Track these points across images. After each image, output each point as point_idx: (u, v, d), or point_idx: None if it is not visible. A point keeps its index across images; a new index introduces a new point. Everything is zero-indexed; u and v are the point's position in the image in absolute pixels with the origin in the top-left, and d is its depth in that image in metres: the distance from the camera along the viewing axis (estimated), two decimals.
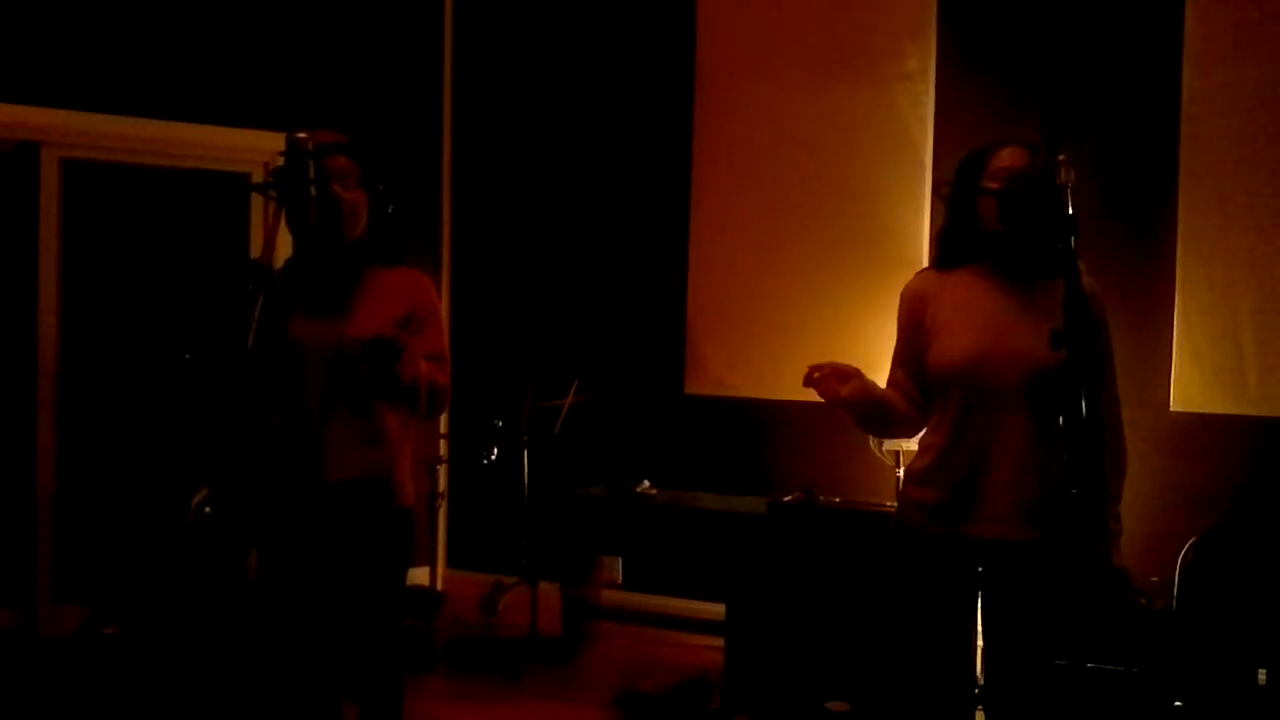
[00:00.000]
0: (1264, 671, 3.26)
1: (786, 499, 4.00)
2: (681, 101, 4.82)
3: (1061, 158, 1.95)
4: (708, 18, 4.78)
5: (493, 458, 4.41)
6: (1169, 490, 3.93)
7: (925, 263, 3.77)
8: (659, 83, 4.88)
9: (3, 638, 4.30)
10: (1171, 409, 4.00)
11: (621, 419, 4.92)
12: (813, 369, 2.23)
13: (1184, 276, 4.00)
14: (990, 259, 2.29)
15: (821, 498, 4.02)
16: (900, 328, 2.39)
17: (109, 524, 4.52)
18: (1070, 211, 1.92)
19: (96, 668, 4.00)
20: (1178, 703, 3.28)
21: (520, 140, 5.19)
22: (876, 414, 2.35)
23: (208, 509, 3.30)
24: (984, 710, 2.43)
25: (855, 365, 2.25)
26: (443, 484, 5.01)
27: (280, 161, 2.16)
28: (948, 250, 2.36)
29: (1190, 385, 3.99)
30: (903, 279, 2.45)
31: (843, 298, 4.49)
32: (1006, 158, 2.23)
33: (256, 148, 4.54)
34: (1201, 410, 3.97)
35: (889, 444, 4.00)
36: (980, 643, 2.34)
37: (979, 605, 2.31)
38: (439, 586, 5.09)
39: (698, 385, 4.82)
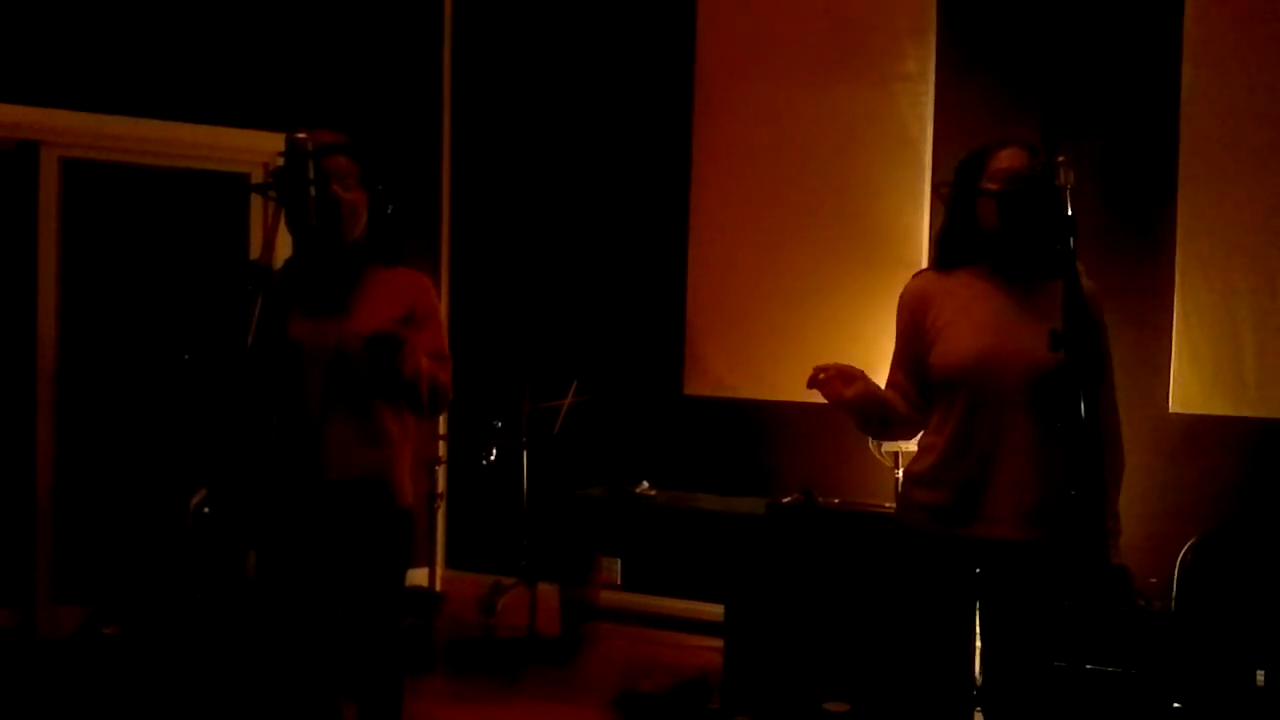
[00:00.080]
0: (1262, 673, 3.26)
1: (786, 500, 4.00)
2: (681, 101, 4.82)
3: (1061, 159, 1.95)
4: (708, 18, 4.78)
5: (492, 458, 4.41)
6: (1168, 491, 3.93)
7: (925, 263, 3.77)
8: (659, 83, 4.88)
9: (2, 638, 4.30)
10: (1170, 410, 4.00)
11: (621, 420, 4.92)
12: (817, 370, 2.23)
13: (1184, 277, 4.00)
14: (989, 260, 2.29)
15: (821, 499, 4.02)
16: (900, 329, 2.39)
17: (108, 524, 4.52)
18: (1069, 213, 1.92)
19: (96, 668, 4.00)
20: (1176, 704, 3.28)
21: (520, 140, 5.19)
22: (878, 415, 2.35)
23: (207, 509, 3.30)
24: (982, 711, 2.43)
25: (856, 366, 2.25)
26: (442, 484, 5.02)
27: (280, 162, 2.16)
28: (947, 251, 2.36)
29: (1189, 386, 3.99)
30: (902, 279, 2.45)
31: (842, 298, 4.49)
32: (1006, 159, 2.23)
33: (256, 148, 4.54)
34: (1200, 411, 3.97)
35: (888, 445, 4.00)
36: (979, 644, 2.35)
37: (978, 606, 2.31)
38: (438, 587, 5.08)
39: (697, 386, 4.82)
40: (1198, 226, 3.98)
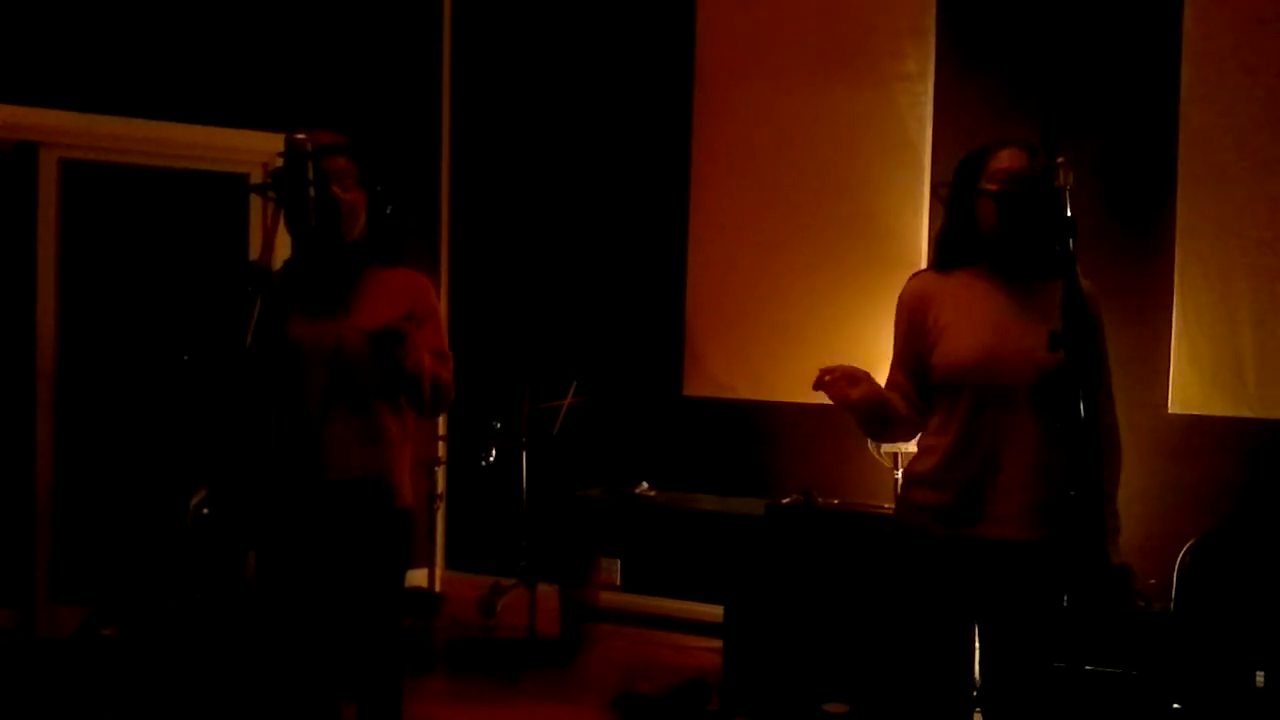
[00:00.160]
0: (1262, 673, 3.26)
1: (785, 501, 4.00)
2: (681, 102, 4.82)
3: (1060, 160, 1.95)
4: (708, 18, 4.78)
5: (491, 459, 4.41)
6: (1167, 492, 3.93)
7: (924, 263, 3.77)
8: (658, 83, 4.88)
9: (1, 638, 4.30)
10: (1170, 410, 4.00)
11: (620, 420, 4.92)
12: (823, 372, 2.22)
13: (1183, 277, 4.00)
14: (989, 261, 2.29)
15: (820, 499, 4.02)
16: (900, 330, 2.38)
17: (107, 524, 4.52)
18: (1069, 213, 1.92)
19: (95, 668, 4.00)
20: (1176, 705, 3.28)
21: (519, 140, 5.19)
22: (880, 417, 2.34)
23: (206, 510, 3.29)
24: (982, 712, 2.43)
25: (858, 367, 2.25)
26: (441, 485, 5.02)
27: (279, 162, 2.16)
28: (946, 252, 2.35)
29: (1189, 386, 3.98)
30: (902, 279, 2.44)
31: (842, 298, 4.49)
32: (1005, 159, 2.23)
33: (255, 148, 4.54)
34: (1200, 412, 3.97)
35: (887, 446, 3.99)
36: (978, 644, 2.34)
37: (978, 607, 2.31)
38: (437, 588, 5.08)
39: (696, 386, 4.82)
40: (1197, 226, 3.98)
